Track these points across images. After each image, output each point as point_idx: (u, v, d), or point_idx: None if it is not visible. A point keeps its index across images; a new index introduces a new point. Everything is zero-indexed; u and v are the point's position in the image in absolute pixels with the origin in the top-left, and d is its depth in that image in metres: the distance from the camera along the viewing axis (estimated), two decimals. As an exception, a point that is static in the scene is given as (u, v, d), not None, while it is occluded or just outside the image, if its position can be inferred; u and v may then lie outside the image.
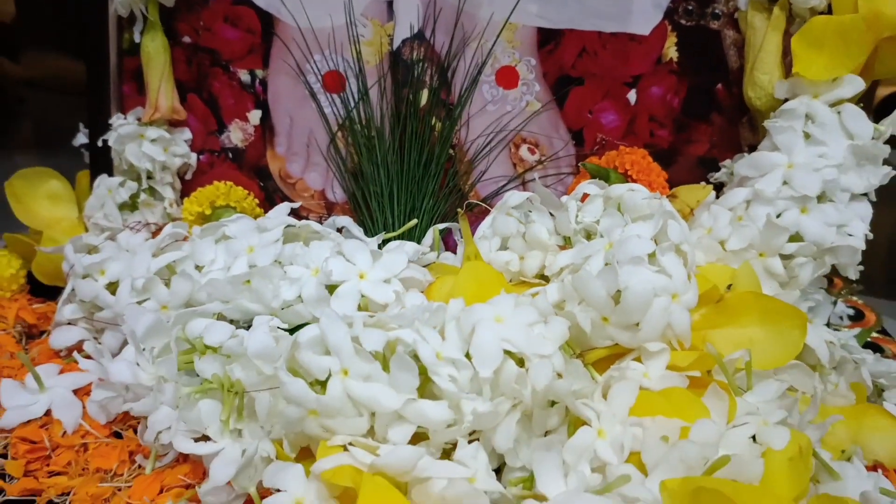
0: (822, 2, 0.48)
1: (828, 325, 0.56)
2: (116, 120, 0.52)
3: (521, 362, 0.35)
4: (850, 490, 0.35)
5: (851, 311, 0.59)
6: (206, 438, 0.36)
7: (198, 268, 0.44)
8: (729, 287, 0.42)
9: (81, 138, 0.57)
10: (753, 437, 0.34)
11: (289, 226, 0.45)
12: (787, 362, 0.40)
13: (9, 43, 1.20)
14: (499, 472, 0.35)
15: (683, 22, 0.51)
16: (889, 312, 0.68)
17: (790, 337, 0.39)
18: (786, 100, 0.49)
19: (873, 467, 0.41)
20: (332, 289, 0.41)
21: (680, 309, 0.37)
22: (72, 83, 1.20)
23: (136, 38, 0.51)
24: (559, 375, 0.35)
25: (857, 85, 0.46)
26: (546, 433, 0.36)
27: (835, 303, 0.58)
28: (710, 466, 0.30)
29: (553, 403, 0.36)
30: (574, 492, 0.31)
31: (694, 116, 0.53)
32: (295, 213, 0.55)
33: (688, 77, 0.52)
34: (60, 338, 0.45)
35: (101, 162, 0.53)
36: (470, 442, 0.34)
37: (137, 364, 0.40)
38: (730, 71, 0.52)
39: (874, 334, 0.58)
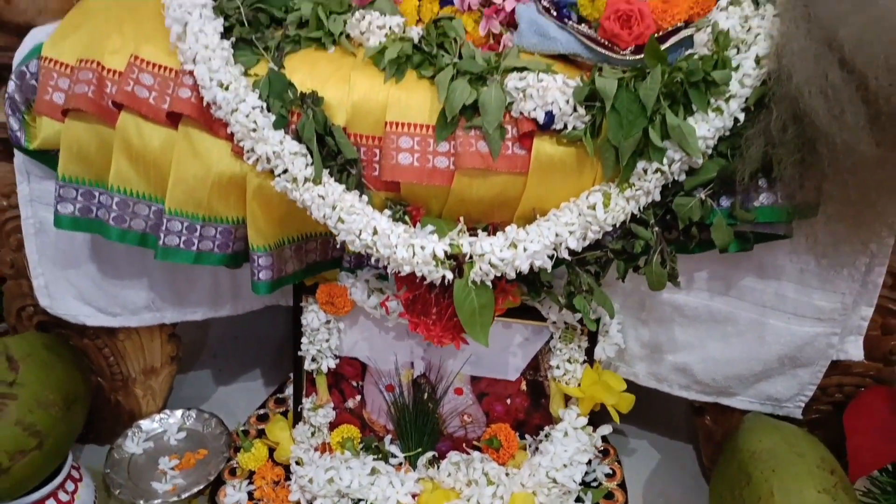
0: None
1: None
2: (306, 403, 1.21)
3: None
4: None
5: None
6: None
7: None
8: None
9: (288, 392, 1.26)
10: None
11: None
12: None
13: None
14: None
15: (528, 378, 1.17)
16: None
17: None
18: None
19: None
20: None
21: None
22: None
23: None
24: None
25: (583, 422, 1.12)
26: None
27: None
28: None
29: None
30: None
31: (535, 408, 1.19)
32: (375, 432, 1.23)
33: (530, 397, 1.18)
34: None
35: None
36: None
37: None
38: (549, 399, 1.17)
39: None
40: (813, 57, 0.81)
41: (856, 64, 0.78)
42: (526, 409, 1.18)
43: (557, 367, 1.11)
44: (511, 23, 1.00)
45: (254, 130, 0.91)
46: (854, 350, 1.02)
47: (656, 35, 0.93)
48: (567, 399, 1.14)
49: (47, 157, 1.00)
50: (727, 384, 1.10)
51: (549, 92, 0.88)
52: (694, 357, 1.10)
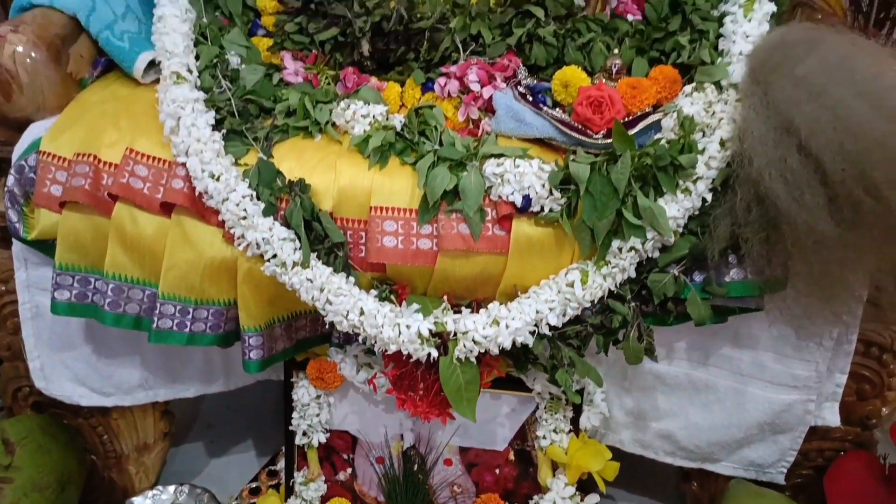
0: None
1: None
2: (297, 476, 1.22)
3: None
4: None
5: None
6: None
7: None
8: None
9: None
10: None
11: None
12: None
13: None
14: None
15: (516, 447, 1.19)
16: None
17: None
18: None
19: None
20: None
21: None
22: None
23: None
24: None
25: (571, 491, 1.13)
26: None
27: None
28: None
29: None
30: None
31: (524, 478, 1.20)
32: None
33: (518, 467, 1.20)
34: None
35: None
36: None
37: None
38: (537, 468, 1.19)
39: None
40: (772, 142, 0.85)
41: (812, 149, 0.82)
42: (515, 478, 1.19)
43: (544, 437, 1.13)
44: (489, 108, 1.04)
45: (244, 218, 0.94)
46: (831, 416, 1.04)
47: (626, 119, 0.98)
48: (555, 468, 1.16)
49: (44, 246, 1.03)
50: (710, 450, 1.12)
51: (526, 177, 0.93)
52: (677, 424, 1.12)
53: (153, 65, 1.08)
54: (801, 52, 0.87)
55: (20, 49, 0.99)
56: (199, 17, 1.11)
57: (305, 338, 1.12)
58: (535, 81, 1.08)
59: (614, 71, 1.03)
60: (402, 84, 1.10)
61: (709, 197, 0.93)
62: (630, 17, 1.12)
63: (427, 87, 1.09)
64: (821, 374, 1.01)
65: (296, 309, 1.06)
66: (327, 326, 1.08)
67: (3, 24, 1.00)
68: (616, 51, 1.06)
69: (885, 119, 0.80)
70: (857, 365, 1.03)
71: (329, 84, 1.08)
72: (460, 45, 1.09)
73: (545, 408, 1.13)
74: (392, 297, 1.00)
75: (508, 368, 1.06)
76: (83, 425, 1.21)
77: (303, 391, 1.15)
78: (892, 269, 0.87)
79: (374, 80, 1.09)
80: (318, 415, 1.17)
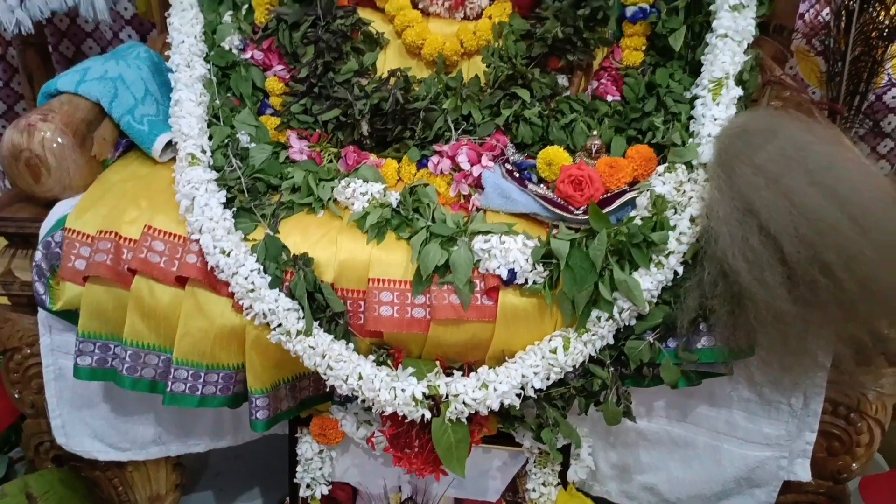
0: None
1: None
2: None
3: None
4: None
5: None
6: None
7: None
8: None
9: None
10: None
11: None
12: None
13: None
14: None
15: (507, 500, 1.25)
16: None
17: None
18: None
19: None
20: None
21: None
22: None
23: (309, 501, 1.29)
24: None
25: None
26: None
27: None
28: None
29: None
30: None
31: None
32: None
33: (511, 516, 1.26)
34: None
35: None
36: None
37: None
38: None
39: None
40: (736, 222, 0.93)
41: (771, 231, 0.90)
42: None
43: (533, 490, 1.20)
44: (478, 184, 1.13)
45: (252, 290, 1.03)
46: (802, 472, 1.11)
47: (605, 196, 1.07)
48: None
49: (68, 315, 1.12)
50: (691, 502, 1.18)
51: (511, 252, 1.01)
52: (659, 477, 1.19)
53: (170, 144, 1.17)
54: (760, 141, 0.95)
55: (48, 135, 1.08)
56: (212, 98, 1.20)
57: (309, 397, 1.19)
58: (522, 158, 1.16)
59: (594, 150, 1.12)
60: (399, 160, 1.19)
61: (680, 270, 1.00)
62: (609, 98, 1.21)
63: (422, 163, 1.18)
64: (791, 433, 1.08)
65: (300, 371, 1.14)
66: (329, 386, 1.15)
67: (33, 113, 1.09)
68: (595, 131, 1.14)
69: (836, 206, 0.88)
70: (826, 423, 1.09)
71: (331, 161, 1.17)
72: (452, 125, 1.18)
73: (534, 462, 1.20)
74: (389, 360, 1.08)
75: (498, 425, 1.13)
76: (100, 478, 1.29)
77: (306, 446, 1.23)
78: (849, 342, 0.94)
79: (372, 157, 1.18)
80: (320, 468, 1.24)
